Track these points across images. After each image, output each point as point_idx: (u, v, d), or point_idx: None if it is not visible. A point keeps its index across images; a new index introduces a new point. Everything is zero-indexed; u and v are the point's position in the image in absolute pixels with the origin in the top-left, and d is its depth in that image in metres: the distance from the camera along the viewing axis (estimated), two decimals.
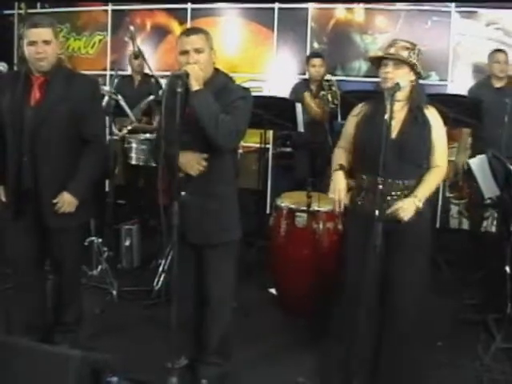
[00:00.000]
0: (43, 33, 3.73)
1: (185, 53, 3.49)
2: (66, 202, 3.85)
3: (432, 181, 3.61)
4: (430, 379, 3.95)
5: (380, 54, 3.64)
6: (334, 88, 6.64)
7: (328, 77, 6.77)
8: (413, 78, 3.54)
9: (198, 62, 3.46)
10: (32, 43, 3.71)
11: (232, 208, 3.78)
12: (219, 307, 3.81)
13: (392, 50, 3.50)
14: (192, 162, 3.52)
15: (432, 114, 3.60)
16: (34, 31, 3.72)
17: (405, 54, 3.47)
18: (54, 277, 4.14)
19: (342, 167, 3.68)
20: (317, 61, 6.79)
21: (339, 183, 3.61)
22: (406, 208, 3.46)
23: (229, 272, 3.81)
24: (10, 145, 3.81)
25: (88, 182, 3.95)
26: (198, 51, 3.49)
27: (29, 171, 3.78)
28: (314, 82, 6.83)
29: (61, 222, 3.86)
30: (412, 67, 3.50)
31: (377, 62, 3.62)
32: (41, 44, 3.71)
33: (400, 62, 3.47)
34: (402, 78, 3.48)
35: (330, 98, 6.54)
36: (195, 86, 3.37)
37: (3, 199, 3.94)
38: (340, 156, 3.80)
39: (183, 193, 3.50)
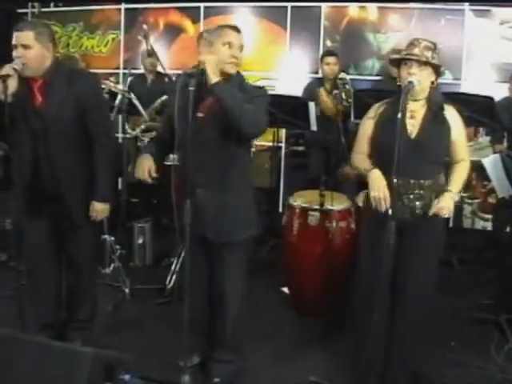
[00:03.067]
0: (22, 37, 3.62)
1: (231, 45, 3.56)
2: (99, 210, 3.90)
3: (461, 174, 3.62)
4: (443, 379, 3.94)
5: (401, 53, 3.59)
6: (347, 86, 6.64)
7: (342, 75, 6.77)
8: (433, 78, 3.52)
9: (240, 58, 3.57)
10: (13, 46, 3.64)
11: (249, 204, 3.79)
12: (231, 304, 3.82)
13: (416, 51, 3.45)
14: (144, 168, 3.64)
15: (450, 113, 3.58)
16: (15, 34, 3.63)
17: (429, 54, 3.44)
18: (68, 274, 4.15)
19: (375, 167, 3.62)
20: (331, 59, 6.78)
21: (380, 180, 3.52)
22: (446, 205, 3.47)
23: (241, 269, 3.83)
24: (22, 148, 3.80)
25: (109, 182, 3.96)
26: (241, 49, 3.59)
27: (44, 173, 3.79)
28: (327, 81, 6.83)
29: (74, 218, 3.88)
30: (436, 68, 3.50)
31: (397, 62, 3.60)
32: (20, 48, 3.62)
33: (424, 62, 3.45)
34: (426, 78, 3.47)
35: (343, 96, 6.54)
36: (214, 78, 3.38)
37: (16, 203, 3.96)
38: (364, 160, 3.73)
39: (199, 190, 3.52)
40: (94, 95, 3.91)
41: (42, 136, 3.74)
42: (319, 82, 6.96)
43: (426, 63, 3.44)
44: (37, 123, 3.73)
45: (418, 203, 3.54)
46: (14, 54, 3.62)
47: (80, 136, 3.84)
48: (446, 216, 3.49)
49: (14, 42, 3.63)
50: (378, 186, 3.52)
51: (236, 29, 3.63)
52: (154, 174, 3.65)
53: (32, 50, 3.63)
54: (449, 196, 3.50)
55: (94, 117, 3.85)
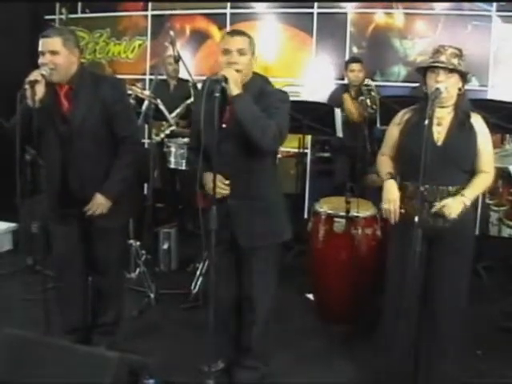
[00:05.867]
0: (50, 43, 3.67)
1: (227, 52, 3.49)
2: (98, 203, 3.87)
3: (479, 184, 3.57)
4: None
5: (428, 60, 3.57)
6: (373, 93, 6.64)
7: (367, 82, 6.76)
8: (460, 85, 3.50)
9: (241, 63, 3.47)
10: (41, 53, 3.68)
11: (280, 209, 3.80)
12: (260, 311, 3.83)
13: (443, 58, 3.43)
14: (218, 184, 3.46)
15: (477, 121, 3.56)
16: (42, 41, 3.68)
17: (455, 61, 3.42)
18: (95, 277, 4.18)
19: (392, 176, 3.63)
20: (356, 66, 6.78)
21: (392, 193, 3.55)
22: (453, 205, 3.43)
23: (272, 276, 3.85)
24: (50, 153, 3.85)
25: (121, 183, 3.94)
26: (240, 52, 3.49)
27: (72, 177, 3.84)
28: (352, 87, 6.82)
29: (102, 222, 3.90)
30: (462, 75, 3.48)
31: (423, 69, 3.59)
32: (47, 54, 3.66)
33: (451, 69, 3.43)
34: (453, 85, 3.45)
35: (368, 103, 6.53)
36: (235, 90, 3.36)
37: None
38: (386, 163, 3.75)
39: (229, 200, 3.55)
40: (120, 100, 3.93)
41: (69, 140, 3.77)
42: (344, 88, 6.95)
43: (453, 70, 3.42)
44: (64, 128, 3.77)
45: None
46: (41, 60, 3.67)
47: (107, 140, 3.87)
48: (451, 216, 3.45)
49: (40, 48, 3.68)
50: (389, 199, 3.54)
51: (234, 33, 3.60)
52: (226, 182, 3.56)
53: (60, 55, 3.68)
54: (459, 199, 3.46)
55: (120, 121, 3.88)
